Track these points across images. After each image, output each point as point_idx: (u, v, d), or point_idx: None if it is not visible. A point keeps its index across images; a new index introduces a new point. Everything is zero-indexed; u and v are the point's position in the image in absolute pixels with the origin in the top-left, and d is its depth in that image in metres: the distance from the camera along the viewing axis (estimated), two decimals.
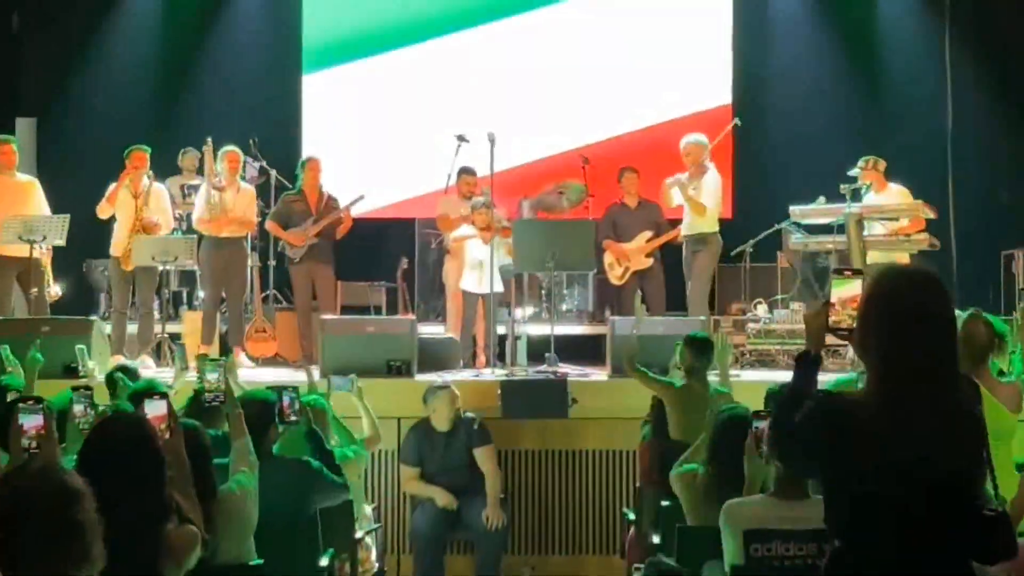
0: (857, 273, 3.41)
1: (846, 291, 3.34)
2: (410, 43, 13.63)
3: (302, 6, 13.68)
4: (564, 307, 12.30)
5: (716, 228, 10.30)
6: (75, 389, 5.09)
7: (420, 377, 8.73)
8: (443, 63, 13.59)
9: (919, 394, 3.17)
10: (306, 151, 12.25)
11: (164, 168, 12.08)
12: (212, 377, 5.01)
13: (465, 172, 11.13)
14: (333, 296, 11.07)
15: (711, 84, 13.46)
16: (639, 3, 13.59)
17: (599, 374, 9.17)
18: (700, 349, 6.96)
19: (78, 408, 4.90)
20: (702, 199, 10.18)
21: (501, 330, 11.01)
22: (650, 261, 10.90)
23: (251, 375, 9.15)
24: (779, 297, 10.93)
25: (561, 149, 13.24)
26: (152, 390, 4.59)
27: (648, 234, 10.89)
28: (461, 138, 11.43)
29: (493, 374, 9.09)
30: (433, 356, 9.23)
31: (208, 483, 4.28)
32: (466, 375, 9.17)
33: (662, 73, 13.43)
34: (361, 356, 8.45)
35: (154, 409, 4.13)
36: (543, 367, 9.15)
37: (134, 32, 13.46)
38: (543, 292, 12.20)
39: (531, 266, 9.71)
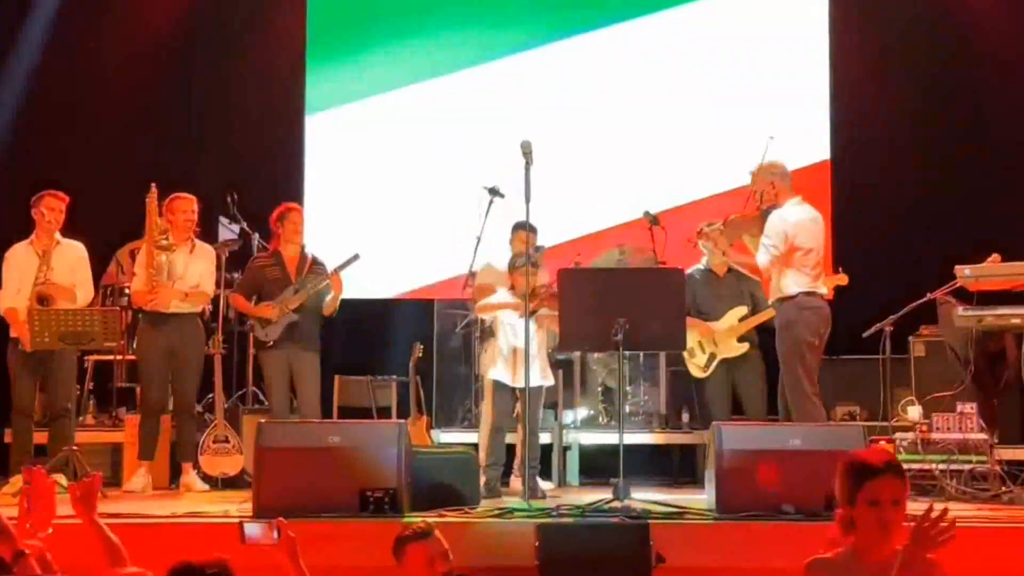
0: None
1: None
2: (433, 76, 10.26)
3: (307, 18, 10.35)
4: (626, 409, 8.85)
5: (795, 290, 6.78)
6: None
7: (417, 517, 5.24)
8: (478, 101, 10.21)
9: None
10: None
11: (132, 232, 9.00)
12: None
13: (521, 228, 7.75)
14: (317, 392, 7.69)
15: (807, 136, 9.96)
16: (722, 43, 10.20)
17: (695, 509, 5.54)
18: None
19: None
20: (758, 250, 6.82)
21: (547, 439, 7.64)
22: (745, 346, 7.66)
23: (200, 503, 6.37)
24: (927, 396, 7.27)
25: (624, 218, 9.69)
26: None
27: (742, 310, 7.60)
28: (494, 191, 8.33)
29: (529, 509, 5.55)
30: (439, 481, 5.72)
31: None
32: (487, 511, 5.59)
33: (748, 125, 9.82)
34: (320, 483, 5.01)
35: None
36: (608, 500, 5.58)
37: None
38: (601, 388, 8.83)
39: (585, 342, 6.06)
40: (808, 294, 6.77)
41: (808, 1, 10.20)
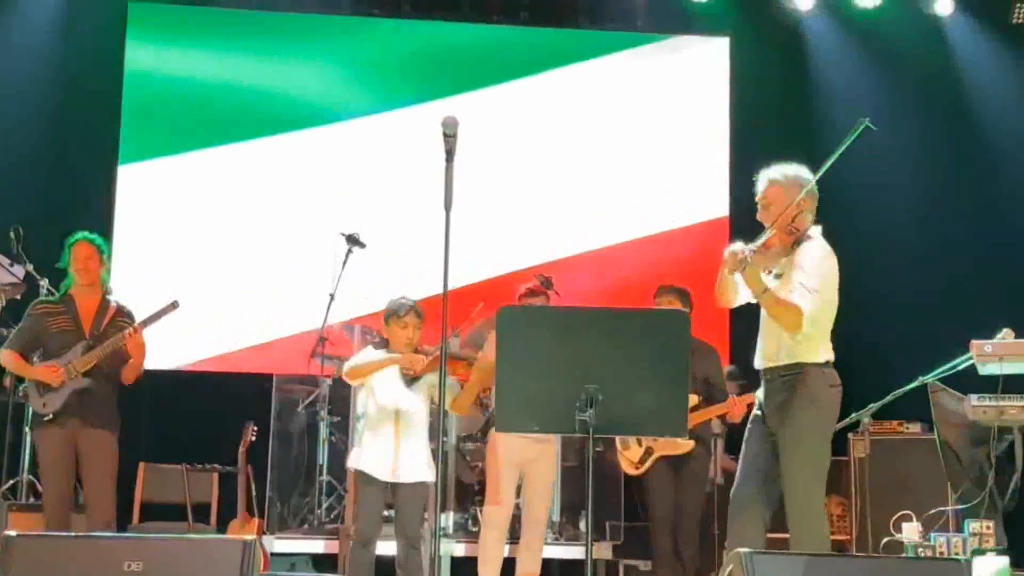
0: None
1: None
2: (286, 130, 8.42)
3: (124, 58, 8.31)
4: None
5: (825, 356, 4.52)
6: None
7: None
8: (330, 154, 8.42)
9: None
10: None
11: None
12: None
13: None
14: (112, 482, 5.44)
15: (705, 193, 8.59)
16: (616, 94, 8.78)
17: None
18: None
19: None
20: (792, 294, 4.40)
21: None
22: (690, 444, 5.82)
23: None
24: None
25: (508, 269, 8.19)
26: None
27: (692, 399, 5.56)
28: (353, 239, 7.03)
29: None
30: None
31: None
32: None
33: (645, 179, 8.61)
34: None
35: None
36: None
37: None
38: (477, 486, 6.90)
39: (534, 419, 3.32)
40: (825, 366, 4.54)
41: (709, 56, 8.87)
